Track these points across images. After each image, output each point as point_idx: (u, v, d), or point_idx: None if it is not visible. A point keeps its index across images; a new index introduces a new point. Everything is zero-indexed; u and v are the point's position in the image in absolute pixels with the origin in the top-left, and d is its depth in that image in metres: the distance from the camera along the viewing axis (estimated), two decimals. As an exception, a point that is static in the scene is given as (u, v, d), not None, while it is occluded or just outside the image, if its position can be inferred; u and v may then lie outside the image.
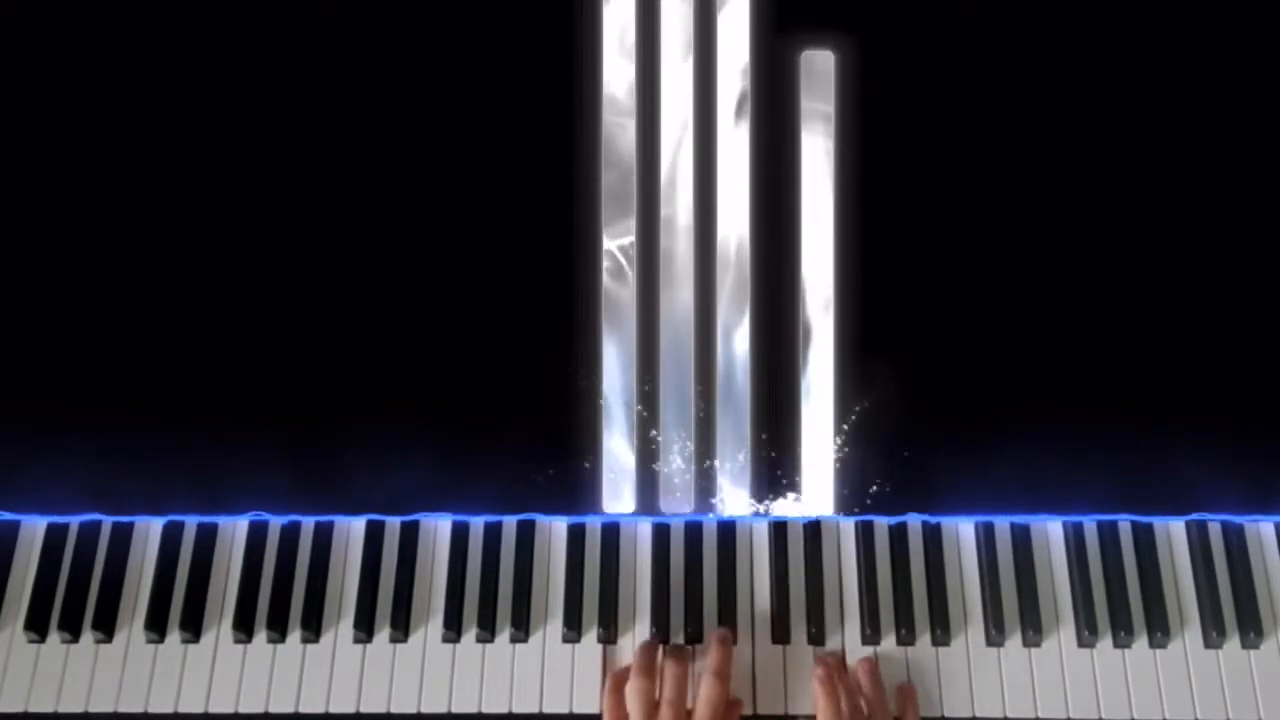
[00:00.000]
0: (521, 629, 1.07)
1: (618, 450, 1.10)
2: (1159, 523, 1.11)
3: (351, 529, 1.11)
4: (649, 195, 1.13)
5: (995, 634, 1.07)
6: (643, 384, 1.11)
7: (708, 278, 1.12)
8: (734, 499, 1.10)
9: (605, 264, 1.12)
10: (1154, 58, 1.16)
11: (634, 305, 1.12)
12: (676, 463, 1.10)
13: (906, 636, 1.07)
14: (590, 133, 1.13)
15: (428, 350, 1.12)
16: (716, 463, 1.10)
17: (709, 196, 1.13)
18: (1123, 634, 1.07)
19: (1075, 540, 1.10)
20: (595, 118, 1.14)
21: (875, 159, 1.13)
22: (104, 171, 1.16)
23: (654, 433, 1.11)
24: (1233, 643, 1.07)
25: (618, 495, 1.10)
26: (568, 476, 1.10)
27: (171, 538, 1.10)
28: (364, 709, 1.06)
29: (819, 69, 1.14)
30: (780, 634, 1.08)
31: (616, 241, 1.12)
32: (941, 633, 1.07)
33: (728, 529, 1.11)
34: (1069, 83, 1.16)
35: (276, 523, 1.11)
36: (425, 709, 1.06)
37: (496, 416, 1.11)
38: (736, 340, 1.12)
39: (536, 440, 1.11)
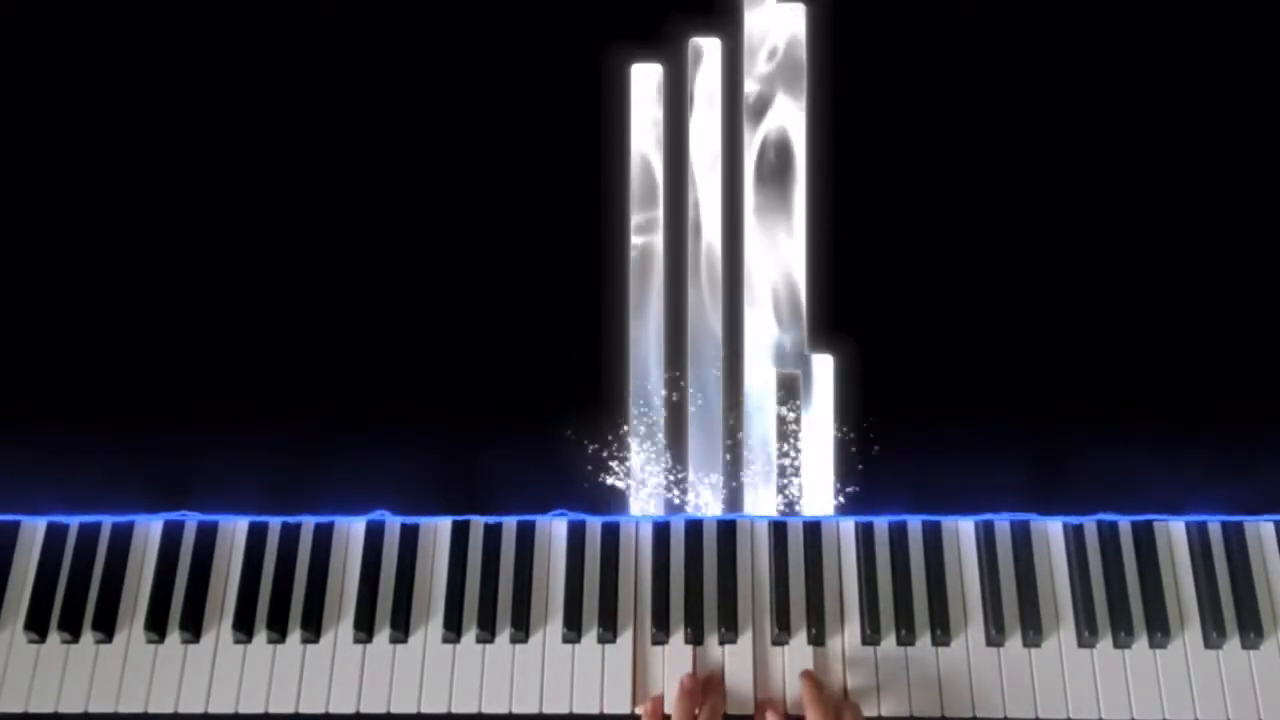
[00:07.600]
0: (521, 629, 1.07)
1: (644, 451, 1.10)
2: (1159, 522, 1.11)
3: (351, 529, 1.11)
4: (677, 195, 1.13)
5: (995, 634, 1.07)
6: (671, 386, 1.11)
7: (736, 277, 1.13)
8: (760, 501, 1.10)
9: (632, 255, 1.13)
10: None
11: (662, 306, 1.12)
12: (702, 464, 1.10)
13: (906, 636, 1.07)
14: (620, 130, 1.14)
15: (457, 355, 1.13)
16: (745, 465, 1.10)
17: (738, 193, 1.14)
18: (1123, 634, 1.07)
19: (1075, 540, 1.10)
20: (624, 116, 1.14)
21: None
22: (132, 178, 1.16)
23: (677, 435, 1.11)
24: (1233, 643, 1.07)
25: (642, 496, 1.10)
26: (595, 478, 1.10)
27: (171, 538, 1.10)
28: (364, 709, 1.06)
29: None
30: (780, 634, 1.08)
31: (642, 238, 1.13)
32: (941, 633, 1.07)
33: (728, 529, 1.11)
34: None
35: (276, 523, 1.11)
36: (425, 709, 1.06)
37: (521, 416, 1.11)
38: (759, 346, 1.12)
39: (561, 441, 1.11)
